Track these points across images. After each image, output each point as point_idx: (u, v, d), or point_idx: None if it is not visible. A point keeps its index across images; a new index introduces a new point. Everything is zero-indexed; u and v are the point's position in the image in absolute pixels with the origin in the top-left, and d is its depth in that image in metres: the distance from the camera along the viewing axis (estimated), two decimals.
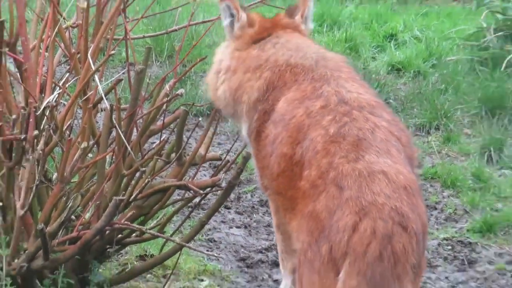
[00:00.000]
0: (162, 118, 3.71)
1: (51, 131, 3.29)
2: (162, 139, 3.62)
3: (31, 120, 3.20)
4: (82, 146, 3.29)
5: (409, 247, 2.84)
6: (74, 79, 3.58)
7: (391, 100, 6.93)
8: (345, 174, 2.96)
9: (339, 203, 2.90)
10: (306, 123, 3.21)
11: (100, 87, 3.35)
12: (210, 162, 5.00)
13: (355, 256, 2.81)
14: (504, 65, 7.00)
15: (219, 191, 3.76)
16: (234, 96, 3.64)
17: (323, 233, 2.90)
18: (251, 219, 5.02)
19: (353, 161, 2.99)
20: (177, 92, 3.63)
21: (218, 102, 3.73)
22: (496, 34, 7.44)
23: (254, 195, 5.30)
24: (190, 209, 4.03)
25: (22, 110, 3.24)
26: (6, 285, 3.25)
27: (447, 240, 4.87)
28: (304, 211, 3.03)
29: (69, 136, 3.41)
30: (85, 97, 3.43)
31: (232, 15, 3.72)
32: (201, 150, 3.66)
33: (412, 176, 3.07)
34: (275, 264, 4.37)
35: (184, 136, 3.60)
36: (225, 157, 3.84)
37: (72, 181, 3.41)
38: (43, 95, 3.39)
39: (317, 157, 3.07)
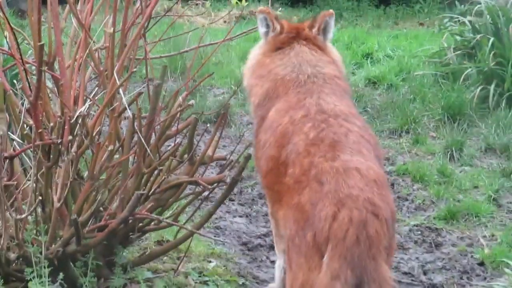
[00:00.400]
0: (176, 125, 3.69)
1: (83, 136, 3.27)
2: (176, 142, 3.61)
3: (66, 127, 3.18)
4: (109, 148, 3.27)
5: (381, 232, 2.81)
6: (102, 92, 3.57)
7: (368, 109, 6.92)
8: (324, 171, 2.92)
9: (320, 196, 2.86)
10: (290, 130, 3.18)
11: (124, 99, 3.34)
12: (217, 161, 4.97)
13: (336, 241, 2.77)
14: (462, 78, 7.02)
15: (224, 186, 3.74)
16: (249, 94, 3.64)
17: (308, 222, 2.86)
18: (251, 210, 5.00)
19: (330, 160, 2.96)
20: (188, 103, 3.61)
21: (247, 90, 3.72)
22: (456, 53, 7.46)
23: (254, 189, 5.29)
24: (200, 201, 4.02)
25: (58, 119, 3.23)
26: (44, 266, 3.23)
27: (417, 226, 4.85)
28: (290, 203, 2.99)
29: (98, 140, 3.39)
30: (112, 107, 3.41)
31: (267, 26, 3.68)
32: (209, 152, 3.65)
33: (381, 171, 3.05)
34: (272, 247, 4.35)
35: (194, 140, 3.58)
36: (229, 158, 3.82)
37: (100, 178, 3.39)
38: (76, 106, 3.37)
39: (299, 158, 3.03)
